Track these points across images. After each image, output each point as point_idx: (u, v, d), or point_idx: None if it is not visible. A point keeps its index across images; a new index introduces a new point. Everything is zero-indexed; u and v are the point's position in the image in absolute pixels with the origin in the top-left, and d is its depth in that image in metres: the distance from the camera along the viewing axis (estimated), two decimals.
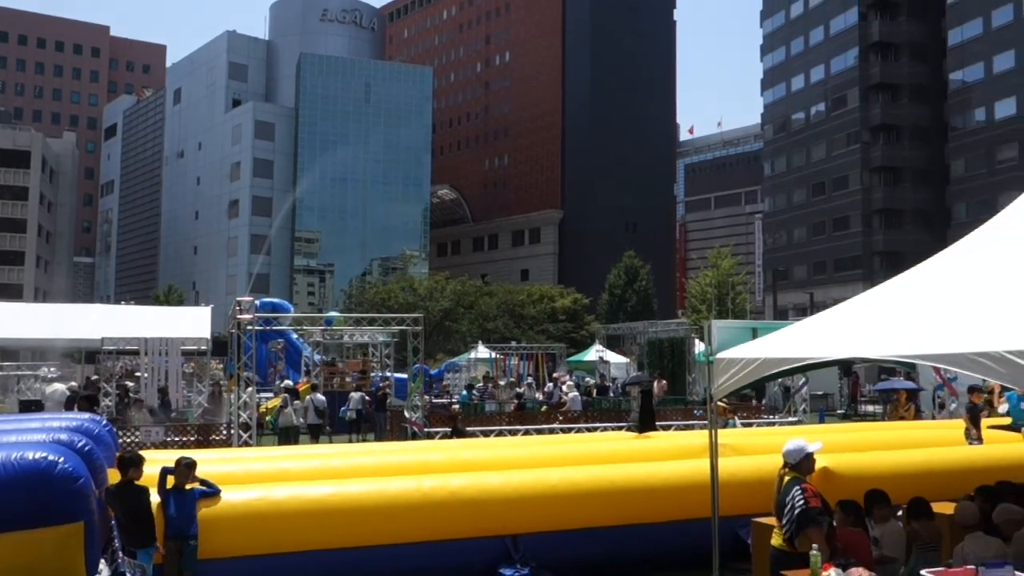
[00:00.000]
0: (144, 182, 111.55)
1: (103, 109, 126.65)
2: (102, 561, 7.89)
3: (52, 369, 33.81)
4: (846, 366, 32.30)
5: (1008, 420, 14.70)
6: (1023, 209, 7.21)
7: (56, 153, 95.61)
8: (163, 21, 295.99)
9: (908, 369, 25.91)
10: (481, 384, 31.42)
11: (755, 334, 9.35)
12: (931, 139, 69.34)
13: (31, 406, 19.73)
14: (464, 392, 28.24)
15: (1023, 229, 6.98)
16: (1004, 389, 17.66)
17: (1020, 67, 61.38)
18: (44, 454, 6.96)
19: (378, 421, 24.36)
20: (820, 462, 10.90)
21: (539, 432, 20.74)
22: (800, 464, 7.40)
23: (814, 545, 6.80)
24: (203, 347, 24.02)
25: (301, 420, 21.92)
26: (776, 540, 7.34)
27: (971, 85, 65.33)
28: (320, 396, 24.51)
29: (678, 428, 20.70)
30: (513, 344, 43.10)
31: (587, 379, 35.38)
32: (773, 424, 21.78)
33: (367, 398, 25.23)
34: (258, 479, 10.23)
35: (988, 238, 7.35)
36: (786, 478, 7.37)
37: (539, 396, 29.55)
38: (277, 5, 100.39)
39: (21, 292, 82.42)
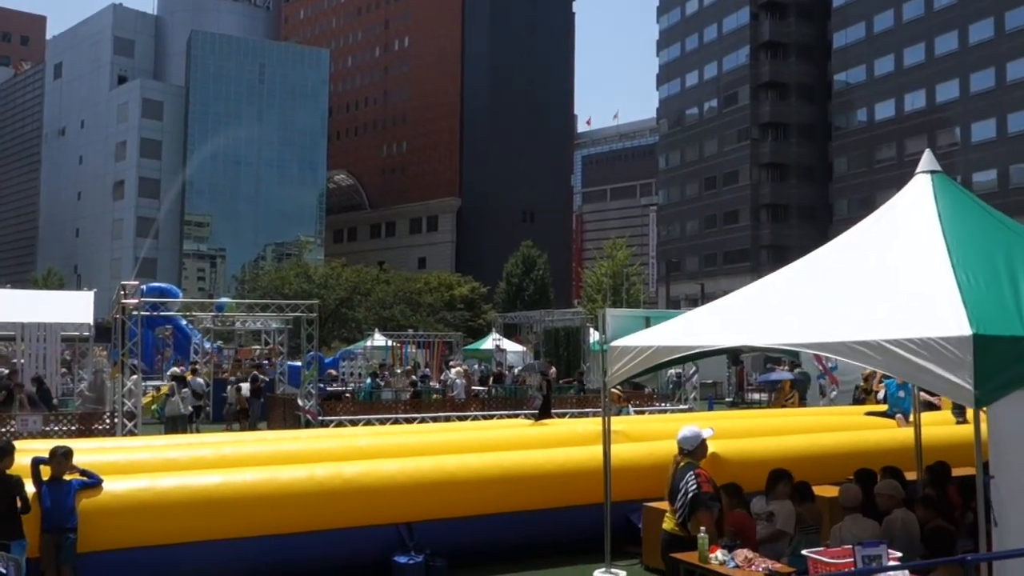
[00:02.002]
0: (21, 159, 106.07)
1: None
2: None
3: None
4: (734, 355, 33.33)
5: (884, 407, 15.43)
6: (897, 207, 7.55)
7: None
8: None
9: (792, 358, 26.93)
10: (378, 372, 31.11)
11: (648, 323, 9.55)
12: (817, 137, 72.12)
13: None
14: (368, 380, 27.97)
15: (898, 225, 7.31)
16: (885, 377, 18.57)
17: (899, 70, 64.39)
18: None
19: (253, 409, 23.95)
20: (709, 448, 11.24)
21: (435, 420, 20.70)
22: (696, 450, 7.60)
23: (702, 528, 7.01)
24: (85, 333, 23.04)
25: (189, 409, 21.32)
26: (668, 524, 7.53)
27: (854, 86, 68.17)
28: (199, 380, 23.89)
29: (573, 416, 20.98)
30: (410, 332, 42.86)
31: (477, 366, 35.49)
32: (665, 412, 22.30)
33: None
34: (144, 469, 9.90)
35: (866, 233, 7.67)
36: (681, 464, 7.56)
37: (435, 384, 29.49)
38: None
39: None
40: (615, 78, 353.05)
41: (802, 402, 23.79)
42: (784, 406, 20.80)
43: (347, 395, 24.52)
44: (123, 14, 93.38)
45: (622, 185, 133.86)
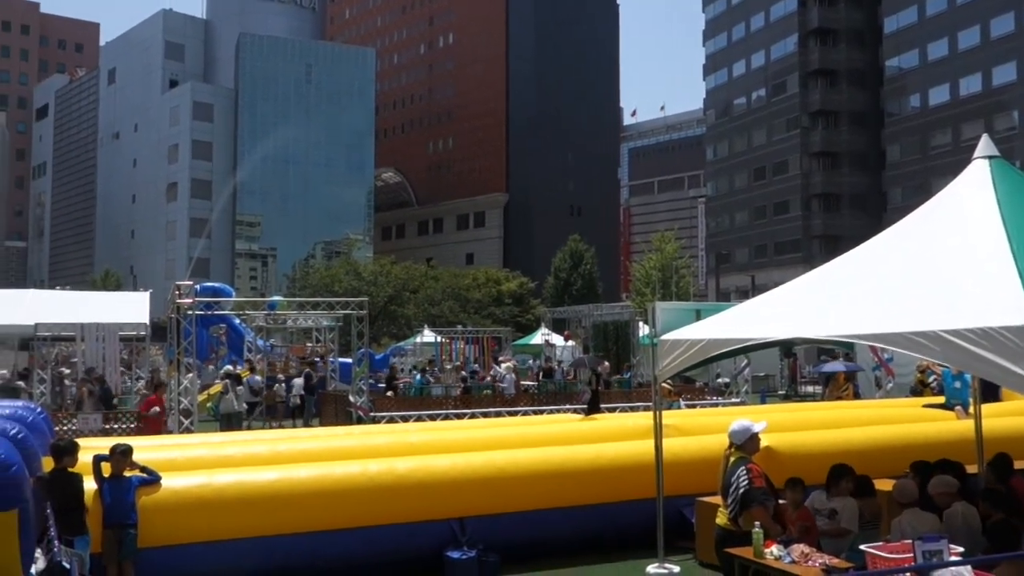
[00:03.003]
0: (78, 164, 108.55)
1: (33, 89, 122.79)
2: (38, 550, 7.69)
3: None
4: (787, 348, 32.91)
5: (942, 399, 15.10)
6: (954, 194, 7.38)
7: None
8: None
9: (847, 350, 26.48)
10: (427, 368, 31.29)
11: (698, 316, 9.45)
12: (868, 124, 70.76)
13: None
14: (418, 376, 28.19)
15: (955, 212, 7.14)
16: (930, 368, 18.19)
17: (954, 54, 62.91)
18: None
19: (308, 405, 24.28)
20: (762, 442, 11.11)
21: (485, 415, 20.76)
22: (746, 444, 7.51)
23: (756, 523, 6.92)
24: (142, 332, 23.50)
25: (244, 406, 21.65)
26: (721, 519, 7.46)
27: (906, 72, 66.76)
28: (256, 377, 24.30)
29: (623, 411, 20.88)
30: (459, 328, 43.02)
31: (532, 361, 35.52)
32: (717, 405, 22.10)
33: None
34: (201, 465, 10.07)
35: (922, 222, 7.51)
36: (732, 458, 7.48)
37: (487, 379, 29.55)
38: None
39: None
40: (661, 70, 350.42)
41: (857, 395, 23.38)
42: (839, 399, 20.45)
43: (389, 393, 24.61)
44: (173, 19, 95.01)
45: (670, 177, 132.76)
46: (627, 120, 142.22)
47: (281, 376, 27.00)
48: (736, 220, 79.26)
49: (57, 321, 21.18)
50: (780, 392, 35.87)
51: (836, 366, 23.64)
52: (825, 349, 33.44)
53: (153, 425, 16.08)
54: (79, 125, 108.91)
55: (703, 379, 27.36)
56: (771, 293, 8.64)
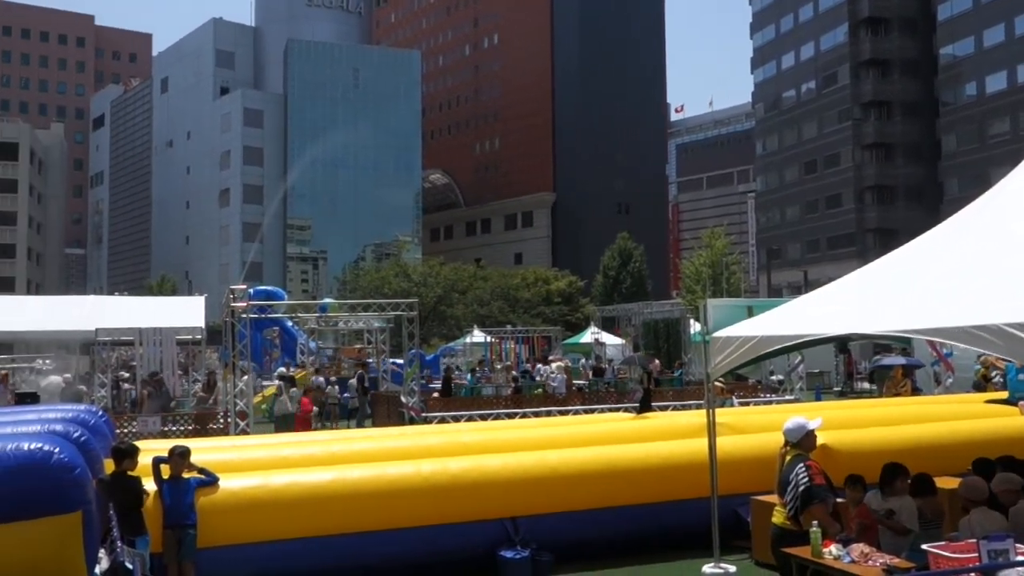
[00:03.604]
0: (134, 172, 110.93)
1: (90, 99, 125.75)
2: (102, 550, 7.88)
3: (47, 361, 33.62)
4: (842, 344, 32.38)
5: (1005, 394, 14.73)
6: (1015, 183, 7.18)
7: (44, 144, 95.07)
8: (148, 9, 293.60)
9: (904, 345, 25.97)
10: (477, 368, 31.42)
11: (751, 312, 9.34)
12: (922, 114, 69.27)
13: (27, 398, 19.65)
14: (469, 376, 28.34)
15: (1015, 203, 6.95)
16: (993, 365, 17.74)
17: (1011, 40, 61.30)
18: (40, 445, 6.94)
19: (361, 406, 24.53)
20: (819, 439, 10.94)
21: (536, 415, 20.75)
22: (802, 441, 7.40)
23: (814, 522, 6.81)
24: (197, 336, 23.94)
25: (298, 407, 21.88)
26: (778, 518, 7.35)
27: (961, 59, 65.24)
28: (319, 379, 24.66)
29: (674, 409, 20.71)
30: (508, 328, 43.07)
31: (586, 360, 35.43)
32: (771, 403, 21.82)
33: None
34: (257, 466, 10.21)
35: (981, 213, 7.32)
36: (788, 456, 7.37)
37: (538, 378, 29.55)
38: None
39: (13, 285, 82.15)
40: (708, 64, 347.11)
41: (916, 390, 22.92)
42: (897, 394, 20.03)
43: (435, 395, 24.75)
44: (223, 27, 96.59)
45: (718, 173, 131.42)
46: (674, 116, 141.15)
47: (333, 378, 27.29)
48: (787, 215, 78.21)
49: (116, 326, 21.66)
50: (835, 389, 35.30)
51: (894, 360, 23.18)
52: (881, 345, 32.86)
53: (304, 425, 16.19)
54: (134, 134, 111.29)
55: (755, 376, 27.03)
56: (825, 288, 8.51)
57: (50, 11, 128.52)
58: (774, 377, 26.53)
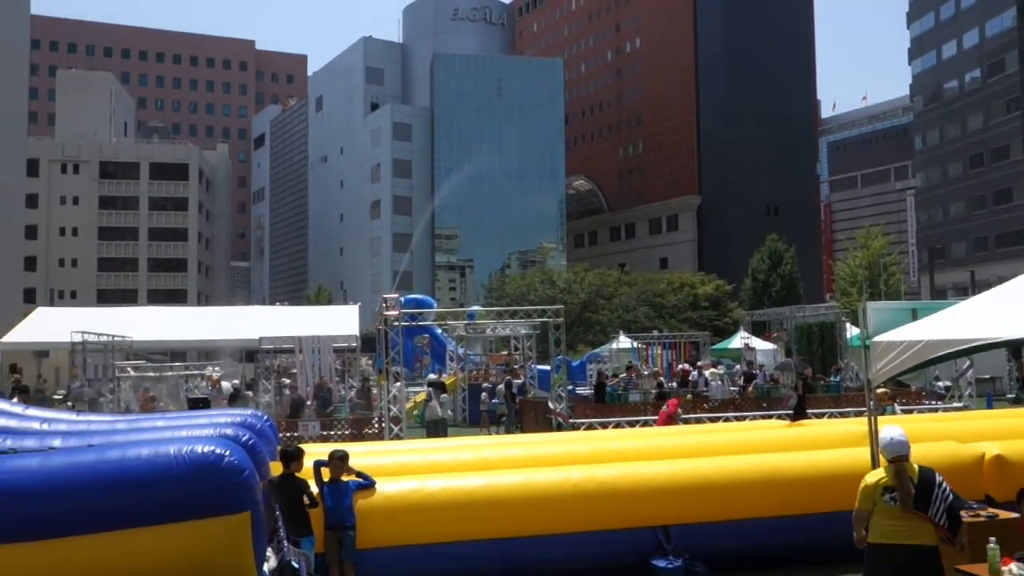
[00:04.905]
0: (292, 188, 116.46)
1: (252, 120, 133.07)
2: (269, 549, 8.25)
3: (217, 368, 35.60)
4: (1015, 348, 30.36)
5: None
6: None
7: (211, 164, 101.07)
8: (303, 32, 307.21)
9: None
10: (625, 374, 31.19)
11: (915, 315, 8.87)
12: None
13: (199, 403, 20.91)
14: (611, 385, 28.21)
15: None
16: None
17: None
18: (211, 447, 7.31)
19: (510, 412, 24.79)
20: (992, 450, 10.30)
21: (684, 422, 20.39)
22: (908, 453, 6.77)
23: (991, 539, 6.39)
24: (352, 344, 24.85)
25: (449, 413, 22.34)
26: (926, 538, 6.56)
27: None
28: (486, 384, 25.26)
29: (831, 416, 19.95)
30: (655, 333, 42.56)
31: (738, 366, 34.60)
32: (936, 410, 20.68)
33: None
34: (412, 471, 10.47)
35: None
36: (913, 468, 6.72)
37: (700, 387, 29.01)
38: (410, 8, 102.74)
39: (185, 296, 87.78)
40: (860, 58, 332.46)
41: None
42: None
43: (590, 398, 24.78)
44: (373, 45, 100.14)
45: (874, 170, 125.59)
46: (826, 113, 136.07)
47: (485, 384, 27.71)
48: (951, 212, 74.03)
49: (278, 335, 22.79)
50: (1009, 395, 33.10)
51: None
52: None
53: (668, 422, 16.39)
54: (292, 151, 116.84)
55: (919, 382, 25.68)
56: (998, 289, 7.99)
57: (214, 39, 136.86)
58: (939, 383, 25.13)
